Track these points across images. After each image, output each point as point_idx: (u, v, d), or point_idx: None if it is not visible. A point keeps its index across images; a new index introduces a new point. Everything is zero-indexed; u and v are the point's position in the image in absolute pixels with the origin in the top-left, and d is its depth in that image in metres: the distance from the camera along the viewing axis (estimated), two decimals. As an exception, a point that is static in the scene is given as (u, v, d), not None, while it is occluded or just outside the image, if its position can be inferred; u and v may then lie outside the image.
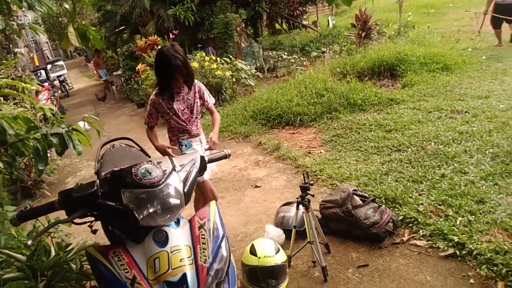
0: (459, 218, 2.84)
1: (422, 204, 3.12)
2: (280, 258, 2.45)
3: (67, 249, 2.42)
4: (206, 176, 2.96)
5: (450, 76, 6.64)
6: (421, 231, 2.84)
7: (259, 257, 2.42)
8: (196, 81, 2.91)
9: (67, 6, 2.38)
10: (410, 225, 2.95)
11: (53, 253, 2.37)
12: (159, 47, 9.35)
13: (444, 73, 6.86)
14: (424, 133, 4.47)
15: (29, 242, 1.39)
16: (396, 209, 3.13)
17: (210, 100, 3.04)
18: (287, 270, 2.53)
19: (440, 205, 3.06)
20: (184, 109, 2.87)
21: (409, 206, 3.13)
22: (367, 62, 7.45)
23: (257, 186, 4.19)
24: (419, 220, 2.92)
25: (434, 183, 3.39)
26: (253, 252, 2.46)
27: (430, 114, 5.06)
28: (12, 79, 5.59)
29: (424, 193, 3.29)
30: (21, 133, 1.88)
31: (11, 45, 9.10)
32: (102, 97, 12.05)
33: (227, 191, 4.22)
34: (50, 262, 2.23)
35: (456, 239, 2.63)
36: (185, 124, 2.91)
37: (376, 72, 7.34)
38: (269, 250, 2.46)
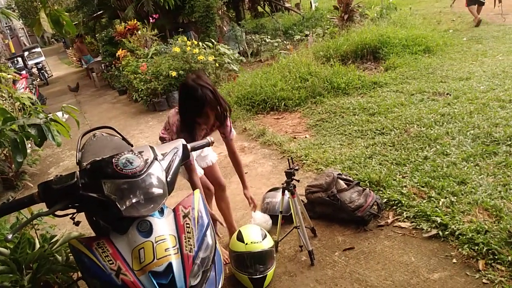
0: (442, 200, 2.89)
1: (405, 186, 3.17)
2: (267, 243, 2.47)
3: (52, 241, 2.38)
4: (214, 158, 2.84)
5: (432, 58, 6.70)
6: (405, 213, 2.89)
7: (246, 243, 2.43)
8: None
9: (39, -10, 2.27)
10: (394, 207, 3.00)
11: (37, 245, 2.33)
12: (139, 32, 9.18)
13: (426, 55, 6.92)
14: (407, 115, 4.51)
15: (10, 236, 1.35)
16: (381, 192, 3.17)
17: (232, 134, 2.58)
18: (274, 255, 2.56)
19: (423, 187, 3.11)
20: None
21: (393, 188, 3.17)
22: (350, 45, 7.44)
23: (243, 172, 4.19)
24: (403, 202, 2.97)
25: (417, 165, 3.44)
26: (240, 238, 2.47)
27: (412, 97, 5.11)
28: (-13, 67, 5.41)
29: (407, 176, 3.33)
30: (-3, 125, 1.82)
31: (-16, 32, 8.78)
32: (74, 87, 11.63)
33: (213, 178, 4.20)
34: (35, 254, 2.19)
35: (439, 220, 2.68)
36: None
37: (359, 55, 7.36)
38: (256, 236, 2.48)
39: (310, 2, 14.90)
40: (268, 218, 3.08)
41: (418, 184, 3.16)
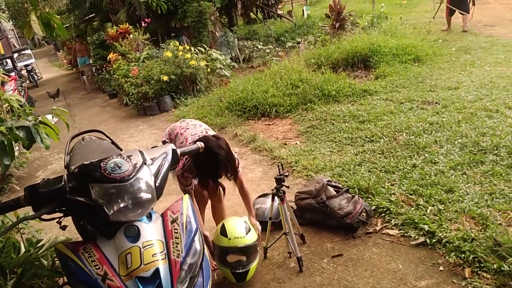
0: (430, 207, 2.92)
1: (394, 194, 3.19)
2: (250, 238, 2.45)
3: (38, 245, 2.35)
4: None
5: (422, 68, 6.79)
6: (393, 220, 2.91)
7: (230, 238, 2.40)
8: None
9: (30, -8, 2.26)
10: (383, 214, 3.02)
11: (23, 249, 2.29)
12: (131, 36, 9.15)
13: (416, 64, 7.01)
14: (396, 124, 4.56)
15: (-6, 241, 1.33)
16: (369, 199, 3.19)
17: (239, 172, 2.64)
18: (258, 249, 2.54)
19: (411, 194, 3.14)
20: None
21: (381, 196, 3.20)
22: (341, 53, 7.51)
23: (232, 178, 4.18)
24: (391, 209, 2.99)
25: (406, 173, 3.47)
26: (223, 233, 2.43)
27: (402, 105, 5.17)
28: (-25, 68, 5.33)
29: (396, 183, 3.36)
30: (-17, 126, 1.79)
31: (-27, 33, 8.68)
32: (54, 93, 11.26)
33: (203, 183, 4.19)
34: (20, 259, 2.16)
35: (426, 227, 2.71)
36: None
37: (350, 63, 7.42)
38: (240, 231, 2.44)
39: (302, 10, 15.01)
40: (257, 224, 3.07)
41: (406, 191, 3.19)
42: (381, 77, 6.58)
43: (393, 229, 2.86)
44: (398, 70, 6.66)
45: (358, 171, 3.66)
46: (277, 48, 10.34)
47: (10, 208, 1.40)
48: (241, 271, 2.43)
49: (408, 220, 2.84)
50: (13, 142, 1.88)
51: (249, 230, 2.49)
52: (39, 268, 2.24)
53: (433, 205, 2.94)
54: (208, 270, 1.54)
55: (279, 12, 15.64)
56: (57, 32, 2.25)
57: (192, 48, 7.84)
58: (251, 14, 16.49)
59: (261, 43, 10.50)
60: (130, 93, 7.63)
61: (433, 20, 10.56)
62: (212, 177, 2.44)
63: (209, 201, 2.96)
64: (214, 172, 2.39)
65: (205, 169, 2.37)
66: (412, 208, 2.97)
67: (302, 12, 15.02)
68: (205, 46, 8.40)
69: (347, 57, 7.42)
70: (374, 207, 3.10)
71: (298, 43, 10.30)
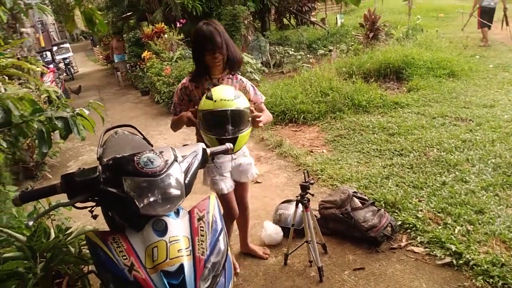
0: (458, 227, 2.84)
1: (421, 210, 3.12)
2: (239, 102, 2.11)
3: (66, 233, 2.42)
4: (253, 174, 2.64)
5: (456, 83, 6.62)
6: (419, 237, 2.84)
7: (215, 101, 2.09)
8: (239, 76, 2.47)
9: (73, -13, 2.35)
10: (408, 231, 2.95)
11: (52, 235, 2.37)
12: (165, 35, 9.34)
13: (451, 79, 6.84)
14: (427, 138, 4.46)
15: (30, 223, 1.39)
16: (395, 214, 3.13)
17: (259, 97, 2.53)
18: (249, 119, 2.19)
19: (439, 212, 3.06)
20: None
21: (408, 211, 3.13)
22: (374, 63, 7.42)
23: (257, 182, 4.19)
24: (418, 226, 2.92)
25: (435, 190, 3.38)
26: (209, 97, 2.14)
27: (434, 120, 5.05)
28: (18, 59, 5.58)
29: (424, 200, 3.28)
30: (25, 115, 1.87)
31: (17, 25, 9.05)
32: (76, 90, 11.43)
33: (227, 185, 4.21)
34: (49, 244, 2.23)
35: (453, 248, 2.63)
36: None
37: (382, 74, 7.32)
38: (227, 94, 2.13)
39: (336, 18, 14.94)
40: (279, 230, 3.07)
41: (434, 209, 3.11)
42: (413, 90, 6.46)
43: (418, 246, 2.79)
44: (432, 84, 6.52)
45: (385, 184, 3.59)
46: (308, 55, 10.32)
47: (46, 194, 1.45)
48: (226, 137, 2.08)
49: (435, 239, 2.76)
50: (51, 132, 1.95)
51: (239, 96, 2.15)
52: (66, 254, 2.31)
53: (462, 225, 2.85)
54: (230, 271, 1.55)
55: (313, 19, 15.62)
56: (98, 28, 2.33)
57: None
58: (284, 19, 16.53)
59: (292, 49, 10.50)
60: (162, 92, 7.78)
61: (469, 35, 10.31)
62: (203, 55, 2.26)
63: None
64: (203, 46, 2.21)
65: (196, 48, 2.28)
66: (440, 227, 2.89)
67: (335, 20, 14.94)
68: (237, 49, 8.47)
69: (380, 68, 7.33)
70: (400, 222, 3.04)
71: (330, 51, 10.24)
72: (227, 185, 2.47)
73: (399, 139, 4.59)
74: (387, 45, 8.77)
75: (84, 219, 3.47)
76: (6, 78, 4.19)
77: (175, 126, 2.52)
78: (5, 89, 4.75)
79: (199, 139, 2.40)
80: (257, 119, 2.24)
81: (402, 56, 7.39)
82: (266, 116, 2.45)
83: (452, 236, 2.74)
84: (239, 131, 2.12)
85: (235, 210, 2.57)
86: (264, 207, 3.65)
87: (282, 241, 3.04)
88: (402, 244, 2.85)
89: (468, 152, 4.00)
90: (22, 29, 9.40)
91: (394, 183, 3.61)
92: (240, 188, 2.64)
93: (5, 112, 1.78)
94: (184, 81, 2.45)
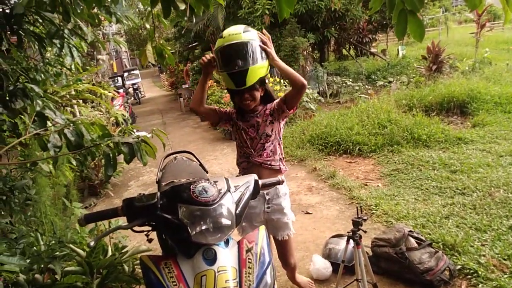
0: (527, 278, 2.59)
1: (484, 255, 2.90)
2: (248, 36, 2.11)
3: (122, 251, 2.56)
4: (280, 236, 2.40)
5: (528, 120, 6.16)
6: (480, 285, 2.63)
7: (224, 37, 2.13)
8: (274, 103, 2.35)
9: (147, 26, 2.57)
10: (469, 277, 2.75)
11: (109, 253, 2.51)
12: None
13: (522, 115, 6.39)
14: (492, 178, 4.17)
15: (92, 243, 1.49)
16: (454, 257, 2.93)
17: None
18: (260, 50, 2.14)
19: (505, 259, 2.82)
20: (250, 127, 2.34)
21: (469, 256, 2.92)
22: (436, 96, 7.16)
23: (307, 213, 4.15)
24: (480, 273, 2.71)
25: (500, 234, 3.13)
26: (220, 36, 2.18)
27: (501, 159, 4.72)
28: (93, 84, 6.11)
29: (487, 244, 3.05)
30: (95, 139, 2.04)
31: (95, 52, 9.94)
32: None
33: (278, 214, 4.20)
34: (106, 261, 2.37)
35: (520, 300, 2.41)
36: (246, 145, 2.36)
37: (444, 107, 7.03)
38: (236, 29, 2.15)
39: (398, 49, 14.68)
40: (328, 265, 3.00)
41: (499, 255, 2.87)
42: (479, 125, 6.11)
43: (480, 295, 2.59)
44: (500, 120, 6.12)
45: (444, 225, 3.40)
46: (366, 86, 10.20)
47: (108, 216, 1.57)
48: (236, 70, 2.09)
49: (499, 288, 2.55)
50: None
51: (249, 30, 2.15)
52: (120, 272, 2.43)
53: (531, 276, 2.61)
54: (275, 305, 1.55)
55: (373, 50, 15.49)
56: (167, 61, 2.51)
57: (281, 80, 8.08)
58: (343, 50, 16.54)
59: (350, 80, 10.45)
60: (220, 118, 8.04)
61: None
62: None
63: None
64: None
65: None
66: (505, 276, 2.65)
67: (397, 52, 14.69)
68: (294, 79, 8.59)
69: (442, 101, 7.04)
70: (459, 266, 2.84)
71: (390, 82, 10.05)
72: None
73: (461, 177, 4.34)
74: (451, 78, 8.43)
75: (139, 238, 3.63)
76: (81, 101, 4.61)
77: (197, 99, 2.35)
78: (79, 112, 5.21)
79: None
80: (267, 48, 2.16)
81: (467, 89, 7.06)
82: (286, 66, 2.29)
83: (520, 288, 2.51)
84: (249, 63, 2.09)
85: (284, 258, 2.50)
86: (313, 239, 3.60)
87: (330, 276, 2.96)
88: (462, 291, 2.66)
89: (541, 195, 3.68)
90: (99, 56, 10.30)
91: (455, 224, 3.40)
92: (279, 246, 2.47)
93: (78, 136, 1.96)
94: (232, 109, 2.44)
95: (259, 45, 2.13)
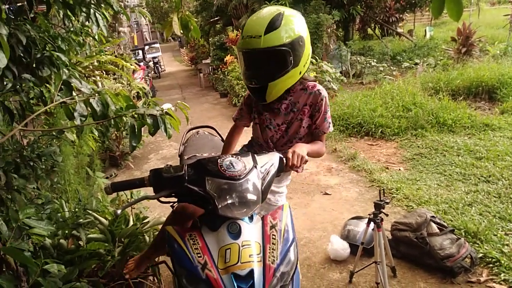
0: (552, 269, 2.53)
1: (507, 245, 2.84)
2: (273, 39, 1.67)
3: (143, 222, 2.60)
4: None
5: (561, 108, 5.92)
6: (502, 274, 2.58)
7: (243, 37, 1.76)
8: (318, 86, 1.94)
9: (173, -4, 2.51)
10: (491, 265, 2.70)
11: (131, 222, 2.55)
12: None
13: (555, 103, 6.13)
14: (520, 167, 4.05)
15: (119, 211, 1.51)
16: (476, 245, 2.88)
17: (326, 126, 1.95)
18: (292, 61, 1.72)
19: (530, 250, 2.76)
20: (281, 124, 1.98)
21: (492, 244, 2.86)
22: (464, 80, 6.93)
23: (326, 194, 4.12)
24: (502, 262, 2.66)
25: (526, 224, 3.06)
26: (242, 27, 1.99)
27: (530, 147, 4.57)
28: (115, 56, 6.11)
29: (511, 233, 2.98)
30: (120, 110, 2.03)
31: (116, 24, 9.93)
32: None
33: (295, 193, 4.21)
34: (127, 230, 2.41)
35: (544, 291, 2.36)
36: (267, 145, 2.07)
37: (472, 92, 6.81)
38: (256, 28, 1.70)
39: (425, 30, 14.21)
40: (346, 246, 2.99)
41: (524, 246, 2.81)
42: (508, 112, 5.90)
43: (501, 284, 2.54)
44: (531, 108, 5.90)
45: (467, 212, 3.33)
46: (391, 67, 9.93)
47: (135, 186, 1.57)
48: (253, 85, 1.80)
49: (522, 279, 2.50)
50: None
51: (275, 28, 1.66)
52: (141, 242, 2.48)
53: (557, 268, 2.54)
54: (298, 283, 1.54)
55: (399, 30, 15.01)
56: (192, 34, 2.46)
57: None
58: (369, 29, 16.09)
59: (375, 60, 10.18)
60: (240, 95, 8.01)
61: None
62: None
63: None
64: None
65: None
66: (529, 266, 2.60)
67: (424, 33, 14.22)
68: (317, 57, 8.42)
69: (470, 86, 6.82)
70: (481, 255, 2.79)
71: (416, 64, 9.77)
72: None
73: (486, 164, 4.22)
74: (481, 62, 8.13)
75: (160, 209, 3.69)
76: (104, 73, 4.62)
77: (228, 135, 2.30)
78: (102, 83, 5.24)
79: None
80: (295, 168, 1.74)
81: (497, 74, 6.80)
82: (316, 149, 1.91)
83: (544, 280, 2.46)
84: (270, 79, 1.71)
85: None
86: (331, 220, 3.58)
87: (348, 257, 2.95)
88: (482, 279, 2.61)
89: None
90: (120, 29, 10.28)
91: (478, 212, 3.33)
92: None
93: (104, 106, 1.95)
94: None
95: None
